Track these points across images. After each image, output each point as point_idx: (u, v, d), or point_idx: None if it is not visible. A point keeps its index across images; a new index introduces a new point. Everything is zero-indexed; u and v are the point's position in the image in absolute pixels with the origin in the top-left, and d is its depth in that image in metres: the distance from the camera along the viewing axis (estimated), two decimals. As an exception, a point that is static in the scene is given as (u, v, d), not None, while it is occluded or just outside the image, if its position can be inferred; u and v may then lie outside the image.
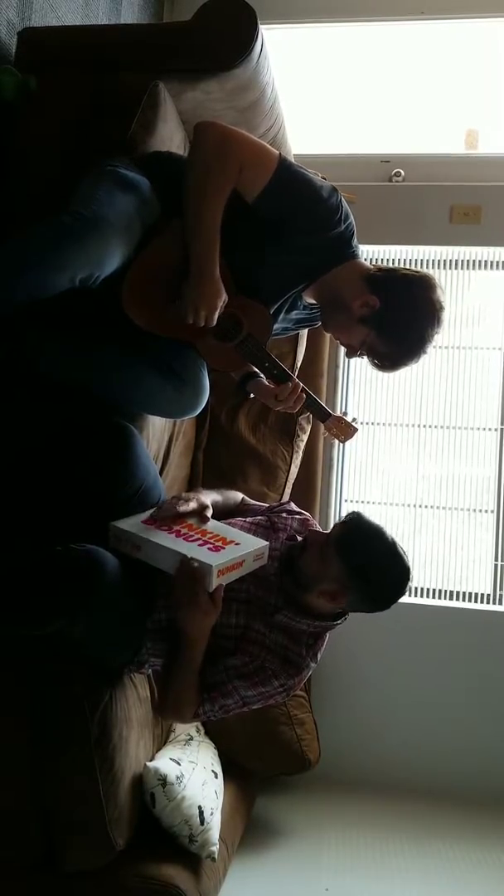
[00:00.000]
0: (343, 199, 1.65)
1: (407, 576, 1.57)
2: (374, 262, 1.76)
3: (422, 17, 2.82)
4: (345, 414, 1.79)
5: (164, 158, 1.71)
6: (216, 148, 1.55)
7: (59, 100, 1.82)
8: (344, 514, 2.93)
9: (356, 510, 1.63)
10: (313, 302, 1.79)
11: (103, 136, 1.74)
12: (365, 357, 1.74)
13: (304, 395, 1.74)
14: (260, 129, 2.07)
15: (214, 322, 1.59)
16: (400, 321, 1.66)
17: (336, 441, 1.80)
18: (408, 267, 1.73)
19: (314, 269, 1.69)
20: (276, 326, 1.78)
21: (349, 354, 1.77)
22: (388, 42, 2.97)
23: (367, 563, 1.55)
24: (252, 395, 1.86)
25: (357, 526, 1.59)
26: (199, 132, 1.58)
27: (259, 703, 1.58)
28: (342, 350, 2.88)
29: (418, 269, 1.81)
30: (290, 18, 2.88)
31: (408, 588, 1.58)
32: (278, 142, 2.18)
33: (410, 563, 1.58)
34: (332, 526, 1.64)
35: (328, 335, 2.76)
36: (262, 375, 1.82)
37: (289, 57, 2.94)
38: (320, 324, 1.84)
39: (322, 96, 3.01)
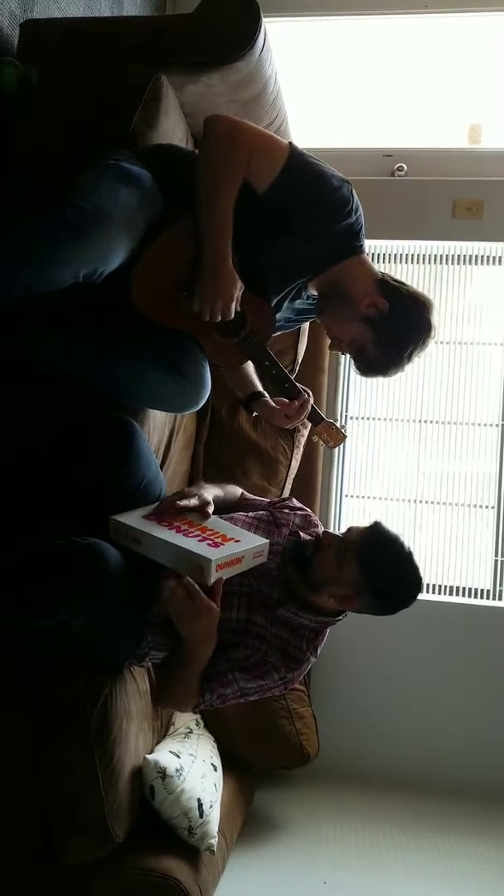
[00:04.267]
0: (354, 190, 1.65)
1: (419, 587, 1.61)
2: (378, 265, 1.77)
3: (426, 11, 2.81)
4: (335, 421, 1.82)
5: (167, 151, 1.71)
6: (225, 140, 1.55)
7: (60, 92, 1.81)
8: (344, 510, 2.97)
9: (377, 519, 1.64)
10: (317, 293, 1.80)
11: (105, 128, 1.73)
12: (348, 356, 1.76)
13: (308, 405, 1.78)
14: (262, 123, 2.07)
15: (232, 314, 1.58)
16: (399, 333, 1.69)
17: (324, 445, 1.84)
18: (411, 286, 1.77)
19: (321, 260, 1.69)
20: (279, 316, 1.78)
21: (333, 346, 1.78)
22: (392, 36, 2.95)
23: (385, 573, 1.57)
24: (255, 414, 1.88)
25: (380, 535, 1.60)
26: (208, 125, 1.58)
27: (257, 695, 1.58)
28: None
29: (421, 269, 1.83)
30: (293, 11, 2.87)
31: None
32: (281, 135, 2.16)
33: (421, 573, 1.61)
34: (346, 529, 1.64)
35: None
36: (266, 395, 1.83)
37: (291, 50, 2.92)
38: (316, 311, 1.83)
39: (325, 90, 3.00)
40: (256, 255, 1.63)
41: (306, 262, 1.69)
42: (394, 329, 1.68)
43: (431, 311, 1.71)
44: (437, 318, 1.71)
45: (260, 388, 1.87)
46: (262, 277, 1.66)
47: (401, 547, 1.60)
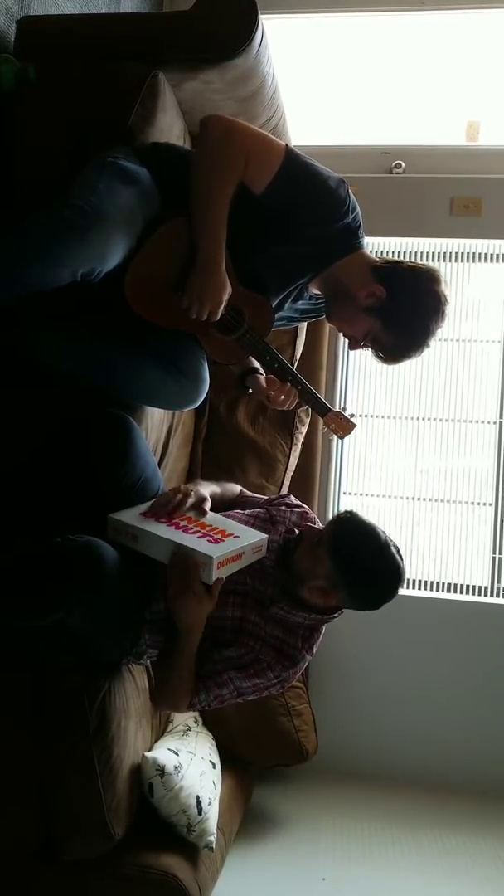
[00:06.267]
0: (350, 189, 1.65)
1: (397, 578, 1.55)
2: (378, 255, 1.76)
3: (423, 8, 2.80)
4: (343, 409, 1.80)
5: (164, 149, 1.71)
6: (221, 142, 1.54)
7: (58, 89, 1.81)
8: (342, 507, 2.98)
9: (351, 509, 1.61)
10: (318, 293, 1.79)
11: (102, 125, 1.73)
12: (368, 349, 1.74)
13: (298, 395, 1.75)
14: (260, 120, 2.07)
15: (218, 316, 1.58)
16: (405, 312, 1.66)
17: (334, 436, 1.81)
18: (413, 260, 1.73)
19: (321, 261, 1.68)
20: (281, 315, 1.78)
21: (352, 346, 1.76)
22: (390, 33, 2.95)
23: (356, 564, 1.53)
24: (251, 391, 1.87)
25: (349, 525, 1.57)
26: (204, 126, 1.57)
27: (254, 694, 1.58)
28: (341, 343, 2.92)
29: (423, 262, 1.81)
30: (290, 8, 2.86)
31: (398, 590, 1.56)
32: (279, 133, 2.17)
33: (404, 564, 1.56)
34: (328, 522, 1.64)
35: (328, 327, 2.78)
36: (261, 371, 1.82)
37: (289, 47, 2.92)
38: (325, 315, 1.83)
39: (323, 87, 2.99)
40: (255, 256, 1.63)
41: (305, 262, 1.69)
42: (398, 310, 1.66)
43: (433, 280, 1.67)
44: (443, 284, 1.66)
45: (256, 364, 1.85)
46: (261, 279, 1.66)
47: (373, 536, 1.55)
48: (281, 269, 1.68)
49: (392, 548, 1.56)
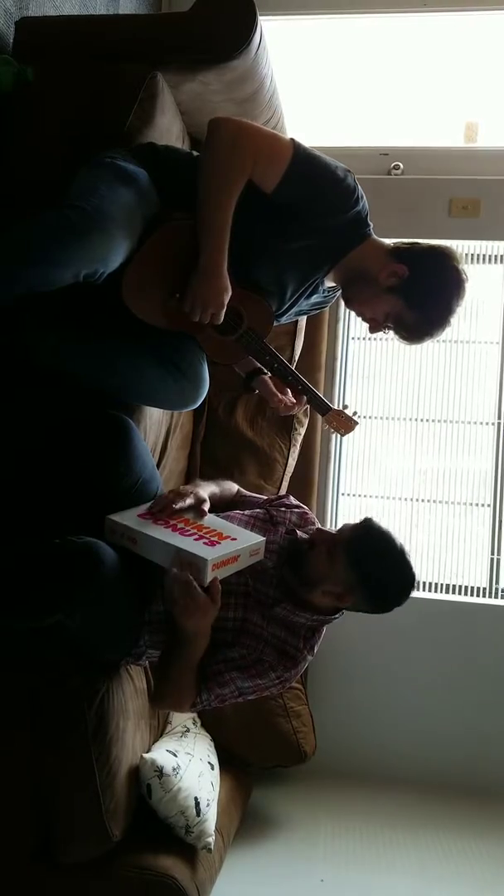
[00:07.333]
0: (356, 178, 1.65)
1: (412, 584, 1.59)
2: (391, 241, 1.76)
3: (424, 10, 2.80)
4: (345, 408, 1.80)
5: (162, 150, 1.71)
6: (229, 144, 1.54)
7: (56, 90, 1.81)
8: (341, 508, 2.98)
9: (368, 515, 1.63)
10: (332, 285, 1.80)
11: (101, 126, 1.73)
12: (390, 331, 1.74)
13: (298, 394, 1.76)
14: (258, 121, 2.06)
15: (221, 319, 1.59)
16: (428, 288, 1.66)
17: (336, 434, 1.82)
18: (428, 241, 1.74)
19: (336, 252, 1.68)
20: (292, 310, 1.79)
21: (373, 329, 1.75)
22: (388, 34, 2.95)
23: (376, 569, 1.56)
24: (257, 392, 1.88)
25: (369, 531, 1.60)
26: (211, 128, 1.57)
27: (254, 694, 1.58)
28: (340, 343, 2.92)
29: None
30: (289, 10, 2.86)
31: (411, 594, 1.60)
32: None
33: (416, 571, 1.60)
34: (339, 526, 1.64)
35: (326, 328, 2.78)
36: (267, 373, 1.83)
37: (288, 49, 2.92)
38: (343, 300, 1.82)
39: (321, 88, 3.00)
40: (273, 255, 1.63)
41: (321, 256, 1.69)
42: (422, 287, 1.66)
43: (453, 258, 1.68)
44: (462, 262, 1.68)
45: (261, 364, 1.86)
46: (280, 277, 1.67)
47: (391, 543, 1.59)
48: (299, 265, 1.68)
49: (406, 554, 1.60)
